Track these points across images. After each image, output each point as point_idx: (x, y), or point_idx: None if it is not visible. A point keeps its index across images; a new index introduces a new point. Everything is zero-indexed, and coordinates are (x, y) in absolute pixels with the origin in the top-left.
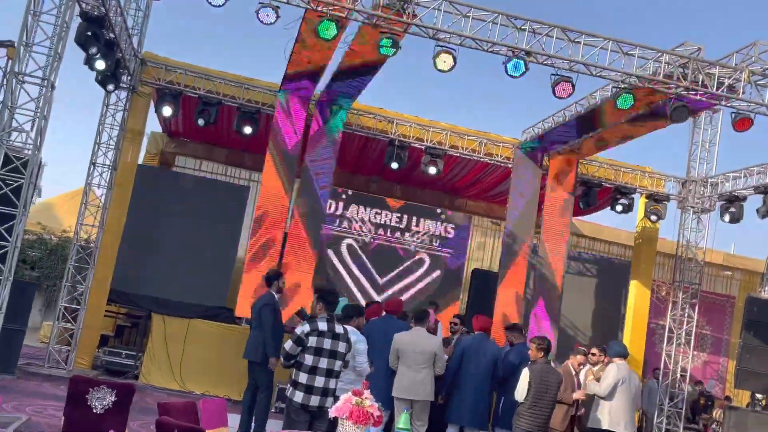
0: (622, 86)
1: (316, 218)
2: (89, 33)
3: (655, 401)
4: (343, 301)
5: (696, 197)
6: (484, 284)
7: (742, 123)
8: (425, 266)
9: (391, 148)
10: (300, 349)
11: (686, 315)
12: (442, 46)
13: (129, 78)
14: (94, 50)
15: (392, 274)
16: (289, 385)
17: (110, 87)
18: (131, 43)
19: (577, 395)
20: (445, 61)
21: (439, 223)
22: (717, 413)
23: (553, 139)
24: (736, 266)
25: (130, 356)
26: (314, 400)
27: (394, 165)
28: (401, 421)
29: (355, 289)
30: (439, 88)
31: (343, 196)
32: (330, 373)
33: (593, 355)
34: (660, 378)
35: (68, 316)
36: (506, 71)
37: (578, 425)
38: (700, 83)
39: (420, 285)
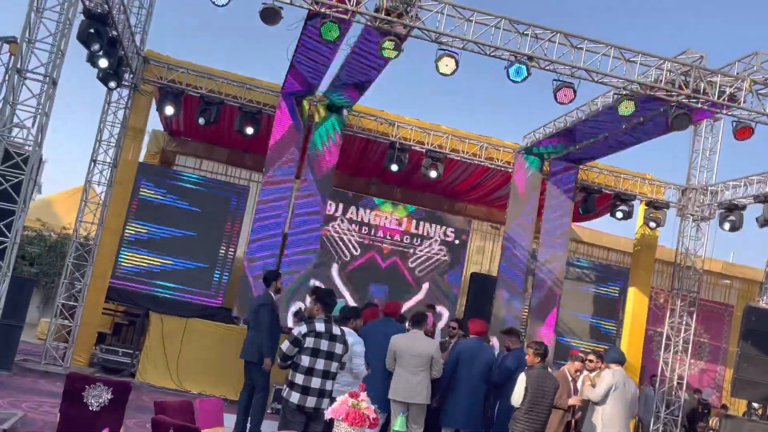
0: (624, 93)
1: (316, 219)
2: (92, 30)
3: (651, 408)
4: (340, 303)
5: (696, 205)
6: (483, 288)
7: (742, 132)
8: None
9: (392, 151)
10: (297, 350)
11: (684, 323)
12: (444, 50)
13: (131, 76)
14: (96, 47)
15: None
16: (285, 386)
17: (112, 84)
18: (134, 41)
19: (573, 401)
20: (447, 65)
21: (439, 227)
22: (713, 422)
23: (554, 144)
24: (734, 275)
25: (127, 354)
26: (310, 401)
27: (394, 167)
28: (397, 423)
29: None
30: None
31: (346, 197)
32: (326, 375)
33: (591, 361)
34: (657, 385)
35: (66, 313)
36: (508, 76)
37: (574, 431)
38: (701, 91)
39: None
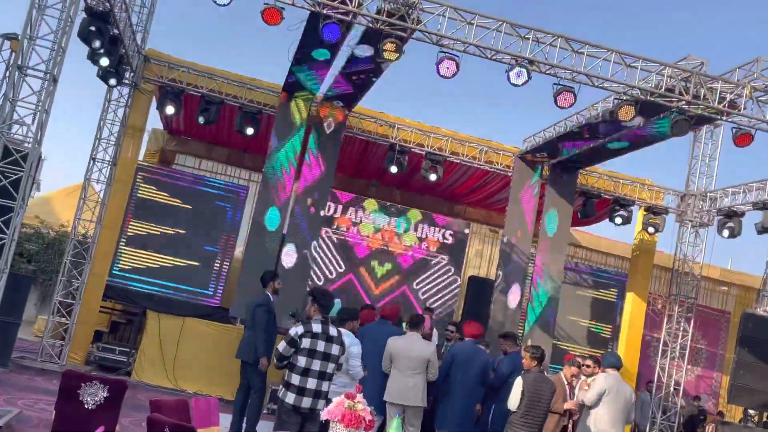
0: (624, 98)
1: (315, 220)
2: (93, 28)
3: (647, 414)
4: (336, 304)
5: (694, 211)
6: (481, 292)
7: (742, 138)
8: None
9: (392, 153)
10: (293, 350)
11: (681, 329)
12: (445, 53)
13: (131, 74)
14: (97, 45)
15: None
16: (281, 386)
17: (112, 82)
18: (135, 40)
19: (569, 405)
20: (447, 68)
21: (436, 229)
22: (710, 428)
23: (554, 148)
24: (732, 282)
25: (124, 353)
26: (306, 402)
27: (394, 169)
28: (393, 426)
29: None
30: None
31: (341, 199)
32: (323, 376)
33: (588, 366)
34: (653, 391)
35: (63, 311)
36: (509, 79)
37: None
38: (702, 97)
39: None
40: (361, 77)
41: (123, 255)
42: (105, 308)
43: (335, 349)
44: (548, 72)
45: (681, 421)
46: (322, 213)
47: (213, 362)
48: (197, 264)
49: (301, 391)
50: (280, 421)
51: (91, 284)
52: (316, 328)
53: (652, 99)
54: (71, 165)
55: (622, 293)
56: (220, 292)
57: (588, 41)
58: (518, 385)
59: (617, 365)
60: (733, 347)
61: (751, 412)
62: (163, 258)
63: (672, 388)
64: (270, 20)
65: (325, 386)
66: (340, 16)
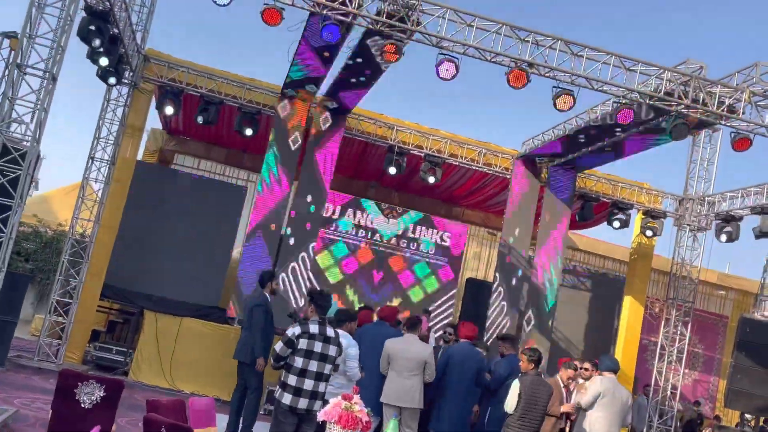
0: (623, 101)
1: (313, 221)
2: (92, 27)
3: (644, 418)
4: (333, 305)
5: (693, 215)
6: (479, 294)
7: (741, 143)
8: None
9: (390, 155)
10: (290, 351)
11: (679, 333)
12: (445, 55)
13: (131, 74)
14: (97, 44)
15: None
16: (278, 387)
17: (112, 81)
18: (134, 39)
19: (565, 408)
20: (448, 70)
21: (435, 231)
22: None
23: (552, 151)
24: (730, 286)
25: (121, 352)
26: (302, 403)
27: (392, 170)
28: (389, 427)
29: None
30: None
31: (340, 200)
32: (319, 377)
33: (585, 370)
34: (650, 395)
35: (60, 310)
36: (508, 82)
37: None
38: (701, 102)
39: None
40: (359, 79)
41: (120, 254)
42: (102, 308)
43: (332, 350)
44: (547, 75)
45: (677, 425)
46: (322, 213)
47: (210, 362)
48: (195, 264)
49: (297, 392)
50: (276, 422)
51: (89, 283)
52: (313, 329)
53: (651, 102)
54: (70, 164)
55: (620, 296)
56: (218, 292)
57: (587, 44)
58: (515, 387)
59: (614, 369)
60: (731, 351)
61: (747, 416)
62: (160, 258)
63: (669, 392)
64: (270, 21)
65: (321, 387)
66: (339, 17)
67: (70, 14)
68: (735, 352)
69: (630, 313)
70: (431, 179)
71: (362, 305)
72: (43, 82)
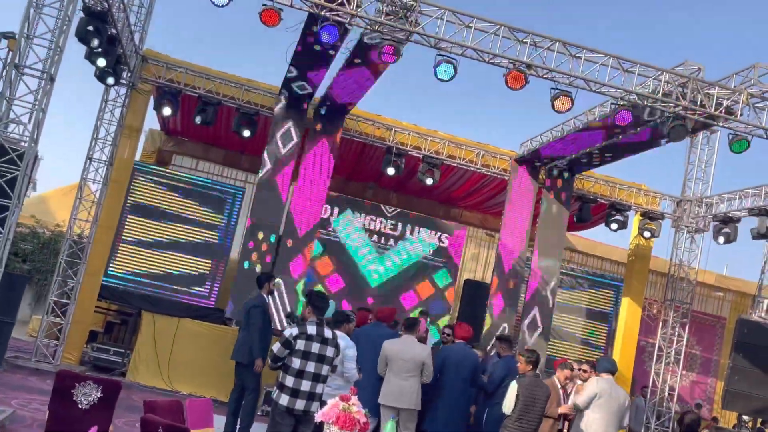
0: (621, 103)
1: (311, 222)
2: (91, 28)
3: (642, 419)
4: (331, 306)
5: (690, 217)
6: (476, 295)
7: (738, 145)
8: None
9: (389, 156)
10: (287, 351)
11: (676, 334)
12: (443, 56)
13: (129, 74)
14: (95, 45)
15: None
16: (275, 388)
17: (110, 81)
18: (133, 40)
19: (563, 409)
20: (446, 71)
21: (433, 232)
22: None
23: (551, 152)
24: (727, 287)
25: (119, 353)
26: (299, 404)
27: (391, 171)
28: (387, 428)
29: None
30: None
31: (338, 201)
32: (317, 378)
33: (584, 371)
34: (648, 396)
35: (58, 311)
36: (506, 83)
37: None
38: (698, 103)
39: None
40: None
41: (118, 255)
42: (100, 308)
43: (330, 351)
44: (546, 76)
45: (675, 426)
46: (320, 214)
47: (207, 363)
48: (192, 265)
49: (295, 393)
50: (273, 423)
51: (86, 284)
52: (311, 329)
53: (649, 104)
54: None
55: (618, 298)
56: (216, 293)
57: (585, 46)
58: (513, 389)
59: (612, 370)
60: (728, 353)
61: (745, 417)
62: (158, 258)
63: (666, 394)
64: (268, 21)
65: (319, 388)
66: (338, 18)
67: (68, 15)
68: (732, 354)
69: (628, 314)
70: (429, 180)
71: (360, 307)
72: (41, 82)
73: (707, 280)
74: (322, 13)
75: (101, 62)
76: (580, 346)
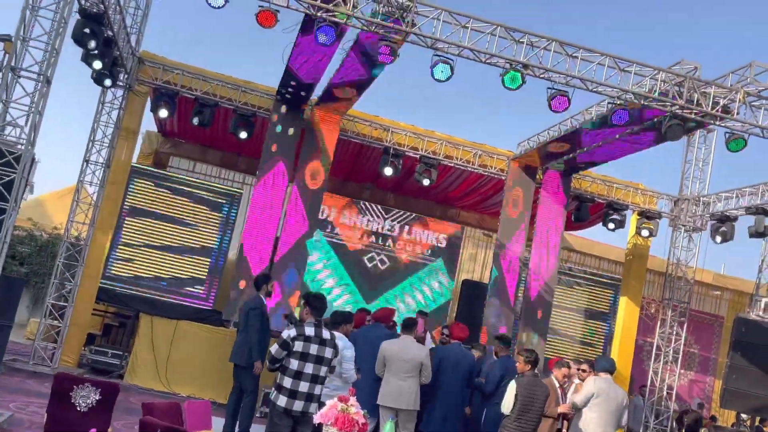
0: (618, 102)
1: (310, 222)
2: (87, 30)
3: (640, 418)
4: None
5: (688, 216)
6: (474, 295)
7: (735, 143)
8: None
9: (386, 156)
10: (285, 353)
11: (674, 333)
12: (440, 56)
13: (126, 76)
14: (91, 47)
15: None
16: (273, 389)
17: (107, 83)
18: (129, 42)
19: (562, 409)
20: (442, 71)
21: (431, 233)
22: None
23: (548, 152)
24: (725, 286)
25: (117, 356)
26: (298, 405)
27: (388, 171)
28: (386, 429)
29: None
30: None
31: (336, 202)
32: (315, 379)
33: (583, 371)
34: (646, 395)
35: (55, 314)
36: (503, 83)
37: None
38: (695, 102)
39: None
40: (354, 80)
41: (116, 258)
42: (98, 311)
43: (328, 353)
44: (542, 76)
45: (673, 425)
46: (317, 215)
47: (206, 365)
48: (190, 267)
49: (293, 394)
50: (271, 424)
51: (84, 287)
52: (309, 331)
53: (646, 103)
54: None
55: (616, 297)
56: (213, 295)
57: (582, 45)
58: (512, 388)
59: (610, 369)
60: (726, 351)
61: (743, 416)
62: (155, 261)
63: (665, 393)
64: (264, 23)
65: (317, 389)
66: (335, 19)
67: (65, 17)
68: (730, 352)
69: (626, 313)
70: (426, 181)
71: (358, 308)
72: (38, 85)
73: (705, 279)
74: (319, 14)
75: (97, 64)
76: (578, 346)
